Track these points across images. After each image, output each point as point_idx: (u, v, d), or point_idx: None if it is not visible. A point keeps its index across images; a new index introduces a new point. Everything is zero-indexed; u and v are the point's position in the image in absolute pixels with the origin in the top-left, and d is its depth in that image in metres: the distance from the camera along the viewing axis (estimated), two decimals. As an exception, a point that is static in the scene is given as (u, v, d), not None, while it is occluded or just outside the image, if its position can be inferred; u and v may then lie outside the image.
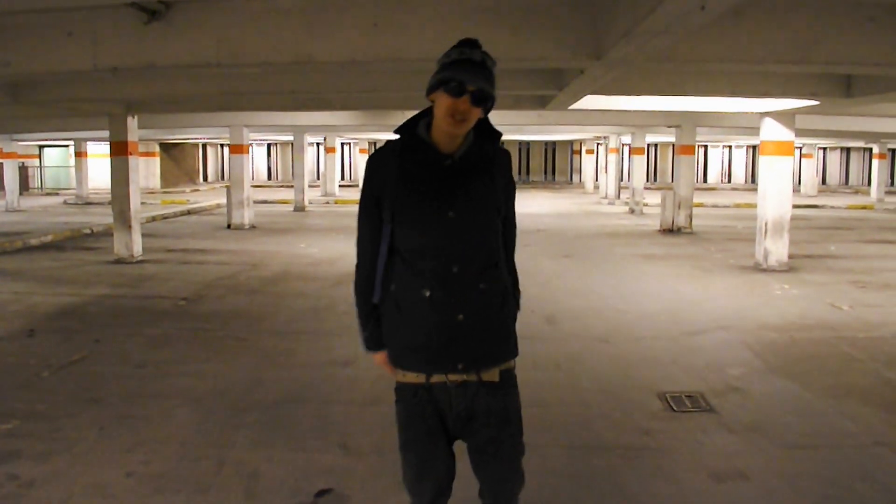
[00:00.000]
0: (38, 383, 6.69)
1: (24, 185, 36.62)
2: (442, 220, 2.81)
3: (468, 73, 2.75)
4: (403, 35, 6.52)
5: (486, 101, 2.80)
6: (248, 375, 6.91)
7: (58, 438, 5.36)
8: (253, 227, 20.40)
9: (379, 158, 2.95)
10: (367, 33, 6.54)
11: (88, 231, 19.38)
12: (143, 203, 25.36)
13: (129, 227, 14.17)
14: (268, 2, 6.63)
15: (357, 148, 42.41)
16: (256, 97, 12.58)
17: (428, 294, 2.83)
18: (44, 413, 5.89)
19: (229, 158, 21.63)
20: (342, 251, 15.28)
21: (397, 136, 2.98)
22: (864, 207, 29.79)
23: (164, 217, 23.60)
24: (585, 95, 10.50)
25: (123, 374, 6.99)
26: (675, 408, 6.03)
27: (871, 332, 8.64)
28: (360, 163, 41.86)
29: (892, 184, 42.16)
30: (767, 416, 5.90)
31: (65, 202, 31.18)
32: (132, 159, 14.33)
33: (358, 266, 3.09)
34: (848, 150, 45.18)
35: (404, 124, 2.95)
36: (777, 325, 8.92)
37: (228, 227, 20.29)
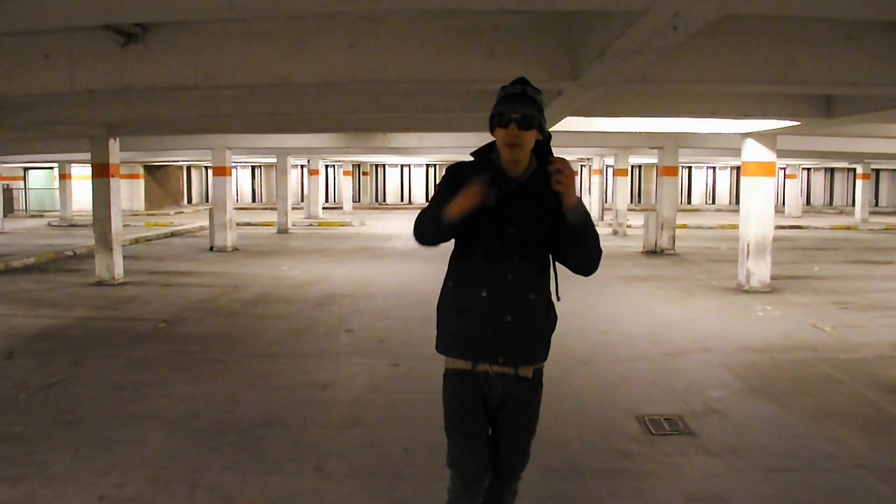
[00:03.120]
0: (15, 406, 6.62)
1: (9, 208, 36.41)
2: (503, 235, 3.33)
3: (510, 105, 3.26)
4: (380, 56, 6.51)
5: (531, 124, 3.25)
6: (226, 398, 6.86)
7: (32, 461, 5.30)
8: (236, 249, 20.32)
9: (463, 171, 3.40)
10: (344, 55, 6.53)
11: (71, 253, 19.24)
12: (126, 225, 25.29)
13: (111, 249, 14.10)
14: (243, 24, 6.61)
15: (341, 170, 42.41)
16: (237, 119, 12.55)
17: (485, 294, 3.35)
18: (19, 436, 5.83)
19: (212, 181, 21.54)
20: (324, 273, 15.27)
21: (472, 159, 3.48)
22: (848, 228, 29.94)
23: (148, 239, 23.49)
24: (565, 117, 10.53)
25: (101, 396, 6.93)
26: (653, 430, 6.00)
27: (853, 353, 8.64)
28: (344, 185, 41.83)
29: (876, 204, 42.38)
30: (747, 439, 5.87)
31: (49, 224, 30.98)
32: (114, 181, 14.27)
33: (424, 213, 3.39)
34: (832, 170, 45.45)
35: (479, 150, 3.47)
36: (758, 346, 8.92)
37: (211, 249, 20.20)
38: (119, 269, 14.32)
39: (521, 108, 3.24)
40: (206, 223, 24.62)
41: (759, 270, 13.37)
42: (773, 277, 13.55)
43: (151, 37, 6.68)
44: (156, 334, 9.59)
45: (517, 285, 3.35)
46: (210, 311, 11.16)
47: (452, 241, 3.42)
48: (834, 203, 45.91)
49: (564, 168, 3.11)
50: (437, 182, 3.51)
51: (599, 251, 3.37)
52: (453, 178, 3.36)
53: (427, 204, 3.40)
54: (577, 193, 3.20)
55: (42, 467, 5.20)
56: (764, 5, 4.69)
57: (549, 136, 3.42)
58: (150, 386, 7.24)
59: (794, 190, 39.24)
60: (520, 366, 3.42)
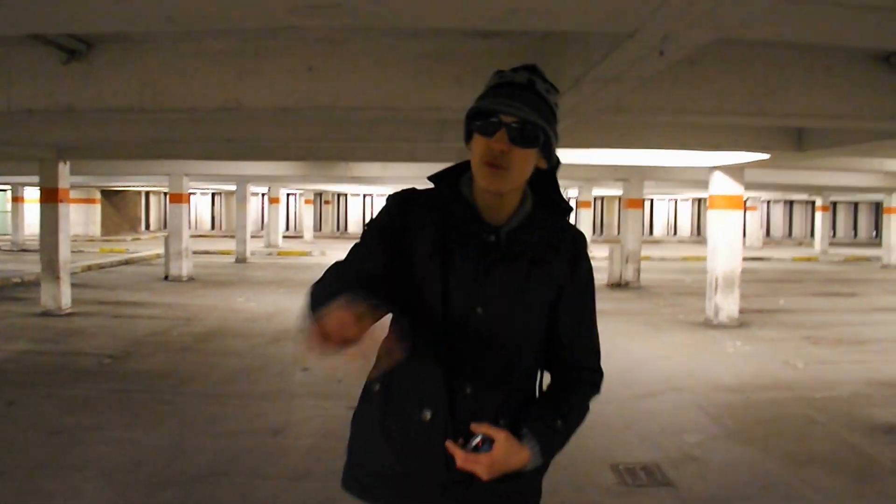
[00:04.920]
0: (-63, 453, 6.12)
1: (-42, 232, 35.54)
2: (465, 318, 2.04)
3: (505, 101, 1.96)
4: (340, 82, 6.14)
5: (533, 138, 1.98)
6: (170, 444, 6.36)
7: (-52, 520, 4.83)
8: (191, 278, 19.74)
9: (414, 207, 2.12)
10: (302, 79, 6.15)
11: (18, 280, 18.53)
12: (80, 251, 24.67)
13: (58, 277, 13.50)
14: (196, 44, 6.21)
15: (302, 199, 41.95)
16: (192, 145, 12.11)
17: (428, 417, 2.06)
18: (-63, 489, 5.33)
19: (169, 208, 21.02)
20: (281, 306, 14.78)
21: (432, 187, 2.16)
22: (809, 259, 30.13)
23: (101, 266, 22.81)
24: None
25: (34, 441, 6.42)
26: (629, 481, 5.62)
27: (828, 391, 8.38)
28: (305, 214, 41.35)
29: (833, 235, 42.71)
30: (728, 489, 5.54)
31: (-1, 249, 30.21)
32: (63, 207, 13.70)
33: (318, 289, 1.99)
34: (791, 202, 45.77)
35: (444, 174, 2.15)
36: (732, 385, 8.62)
37: (166, 278, 19.61)
38: (66, 299, 13.72)
39: (518, 109, 1.94)
40: (162, 250, 24.04)
41: (728, 305, 13.14)
42: (740, 311, 13.33)
43: (96, 55, 6.26)
44: (100, 371, 9.05)
45: (480, 405, 2.07)
46: (159, 346, 10.63)
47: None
48: (793, 235, 46.21)
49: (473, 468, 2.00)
50: (373, 218, 2.10)
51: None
52: (398, 222, 2.10)
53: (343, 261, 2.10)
54: (517, 459, 2.09)
55: (-40, 526, 4.73)
56: (758, 30, 4.39)
57: (556, 164, 2.13)
58: (89, 430, 6.73)
59: (755, 222, 39.45)
60: None
